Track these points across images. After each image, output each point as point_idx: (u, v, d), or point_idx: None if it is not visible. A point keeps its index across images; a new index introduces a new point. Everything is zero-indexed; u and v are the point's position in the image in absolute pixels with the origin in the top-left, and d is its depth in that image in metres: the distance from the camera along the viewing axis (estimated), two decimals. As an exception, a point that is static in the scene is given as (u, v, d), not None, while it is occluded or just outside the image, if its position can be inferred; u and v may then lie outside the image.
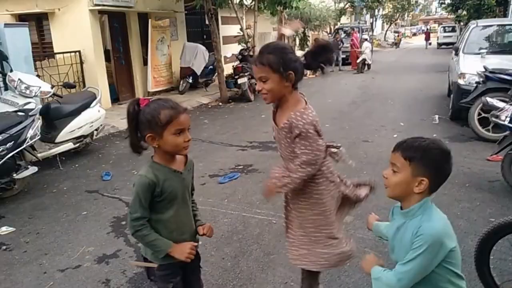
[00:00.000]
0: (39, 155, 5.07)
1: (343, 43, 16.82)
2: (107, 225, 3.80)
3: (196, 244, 1.81)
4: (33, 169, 4.68)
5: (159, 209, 1.72)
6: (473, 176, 4.59)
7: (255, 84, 8.87)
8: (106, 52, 9.58)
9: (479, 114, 6.08)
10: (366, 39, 16.64)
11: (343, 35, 19.58)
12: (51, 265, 3.14)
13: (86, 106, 5.83)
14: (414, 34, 57.24)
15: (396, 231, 1.56)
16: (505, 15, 15.64)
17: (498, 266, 2.59)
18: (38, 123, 4.98)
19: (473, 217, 2.88)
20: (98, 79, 8.73)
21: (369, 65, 16.21)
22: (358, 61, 15.96)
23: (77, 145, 5.77)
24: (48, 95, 5.39)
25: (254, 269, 2.95)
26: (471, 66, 6.84)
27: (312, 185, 1.98)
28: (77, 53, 8.63)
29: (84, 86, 8.48)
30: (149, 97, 1.78)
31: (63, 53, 8.41)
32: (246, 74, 10.18)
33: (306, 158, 1.87)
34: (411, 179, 1.46)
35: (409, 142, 1.50)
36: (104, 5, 8.84)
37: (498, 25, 8.74)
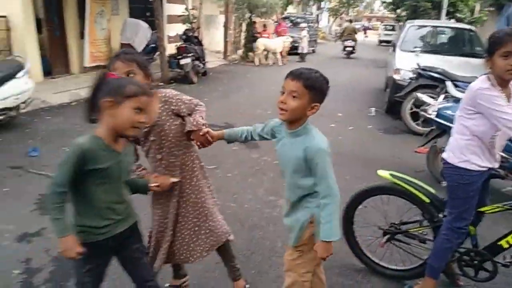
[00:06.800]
0: (-46, 126, 4.62)
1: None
2: (31, 203, 3.56)
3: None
4: None
5: (88, 184, 1.63)
6: (402, 166, 4.85)
7: (198, 66, 8.71)
8: (38, 21, 8.87)
9: (411, 108, 6.44)
10: (304, 28, 16.89)
11: (289, 24, 19.93)
12: (-36, 244, 2.89)
13: (11, 76, 5.38)
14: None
15: (282, 146, 1.87)
16: (439, 18, 16.62)
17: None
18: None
19: (399, 203, 3.09)
20: (28, 49, 8.06)
21: (303, 54, 16.63)
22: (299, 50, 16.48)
23: (1, 118, 5.32)
24: (-34, 61, 4.90)
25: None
26: (406, 63, 7.20)
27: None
28: (2, 19, 7.90)
29: (11, 55, 7.81)
30: (120, 76, 1.74)
31: (-14, 17, 7.67)
32: (189, 55, 9.94)
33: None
34: (307, 105, 1.73)
35: (306, 73, 1.73)
36: (37, -31, 8.16)
37: (432, 26, 9.27)
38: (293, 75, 1.73)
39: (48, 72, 9.12)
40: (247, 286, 2.48)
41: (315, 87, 1.72)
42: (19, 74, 5.47)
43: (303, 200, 1.85)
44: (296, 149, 1.77)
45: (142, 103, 1.62)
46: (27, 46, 8.13)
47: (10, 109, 5.42)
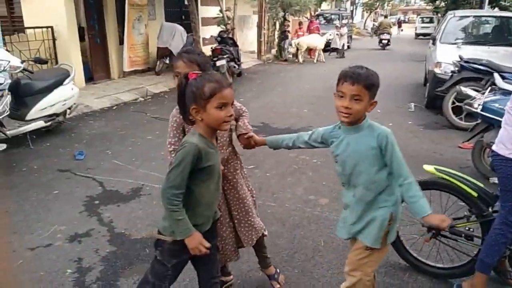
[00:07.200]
0: (8, 132, 4.89)
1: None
2: (79, 204, 3.71)
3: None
4: (1, 146, 4.51)
5: (196, 181, 1.68)
6: (444, 162, 4.68)
7: (234, 66, 8.81)
8: (81, 29, 9.24)
9: (453, 102, 6.21)
10: (345, 25, 17.42)
11: (323, 21, 20.23)
12: (20, 243, 3.05)
13: (59, 83, 5.63)
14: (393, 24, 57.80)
15: (346, 146, 1.88)
16: (481, 7, 15.94)
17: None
18: (7, 99, 4.80)
19: (444, 201, 3.03)
20: (72, 57, 8.42)
21: (342, 50, 16.78)
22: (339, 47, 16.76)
23: (49, 123, 5.58)
24: (18, 70, 5.17)
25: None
26: (447, 56, 6.94)
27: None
28: (49, 29, 8.29)
29: (57, 63, 8.18)
30: (198, 72, 1.73)
31: (34, 28, 8.06)
32: (225, 56, 10.03)
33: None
34: (368, 103, 1.78)
35: (363, 73, 1.76)
36: (78, -20, 8.50)
37: (474, 16, 8.90)
38: (352, 78, 1.74)
39: (89, 78, 9.49)
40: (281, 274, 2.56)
41: (374, 85, 1.78)
42: (66, 81, 5.72)
43: (378, 198, 1.88)
44: (366, 141, 1.82)
45: (223, 98, 1.63)
46: (71, 54, 8.49)
47: (57, 114, 5.68)
